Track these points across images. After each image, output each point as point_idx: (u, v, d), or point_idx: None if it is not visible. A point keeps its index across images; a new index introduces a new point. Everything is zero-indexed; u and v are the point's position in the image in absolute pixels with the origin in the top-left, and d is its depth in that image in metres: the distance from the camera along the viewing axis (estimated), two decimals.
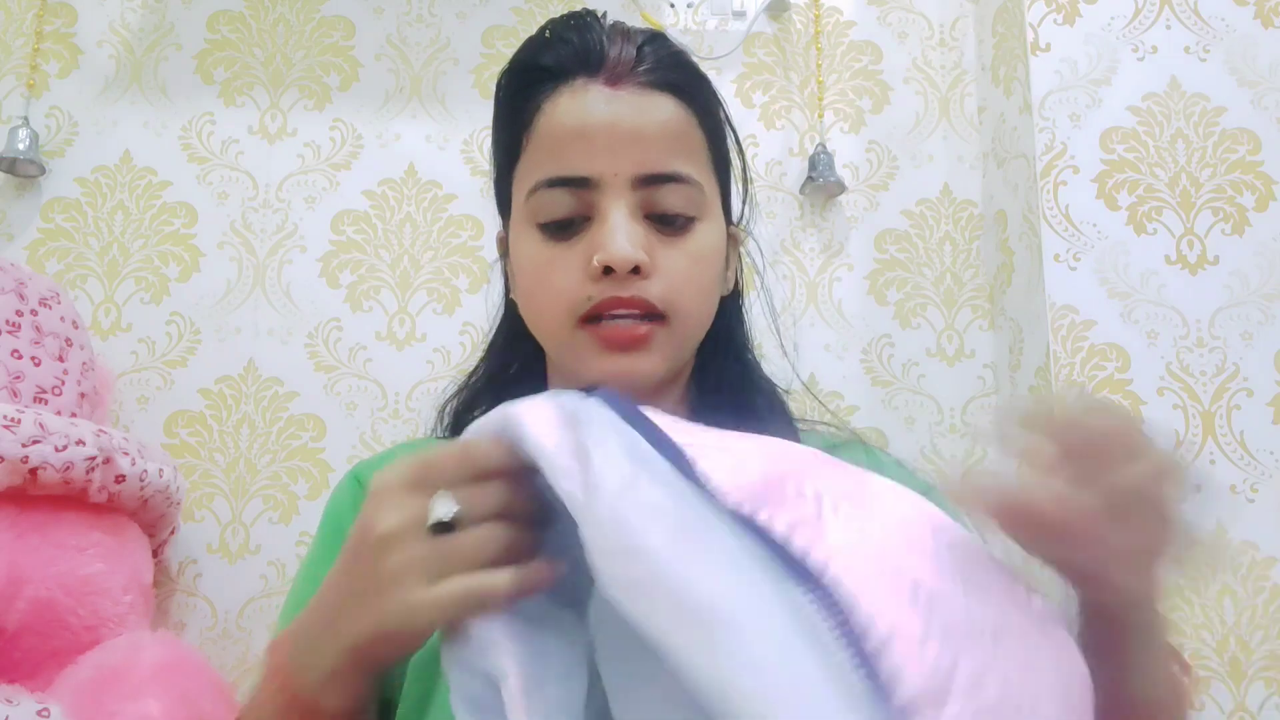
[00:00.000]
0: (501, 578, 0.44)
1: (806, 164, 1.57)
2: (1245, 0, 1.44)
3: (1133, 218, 1.38)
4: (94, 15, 1.58)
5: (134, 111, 1.55)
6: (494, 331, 0.79)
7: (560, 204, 0.64)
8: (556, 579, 0.46)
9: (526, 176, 0.67)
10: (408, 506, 0.46)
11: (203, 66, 1.58)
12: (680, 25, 1.62)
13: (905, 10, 1.66)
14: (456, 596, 0.44)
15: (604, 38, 0.67)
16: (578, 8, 0.71)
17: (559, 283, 0.64)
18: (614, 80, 0.66)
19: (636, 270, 0.62)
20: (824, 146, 1.56)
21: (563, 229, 0.65)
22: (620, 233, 0.62)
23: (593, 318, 0.63)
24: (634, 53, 0.66)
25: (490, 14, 1.62)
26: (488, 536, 0.46)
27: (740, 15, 1.63)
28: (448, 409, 0.78)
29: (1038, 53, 1.44)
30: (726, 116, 0.72)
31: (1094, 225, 1.38)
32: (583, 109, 0.65)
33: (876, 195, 1.60)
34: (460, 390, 0.78)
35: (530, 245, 0.66)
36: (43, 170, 1.50)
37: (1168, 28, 1.43)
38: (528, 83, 0.68)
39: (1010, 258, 1.49)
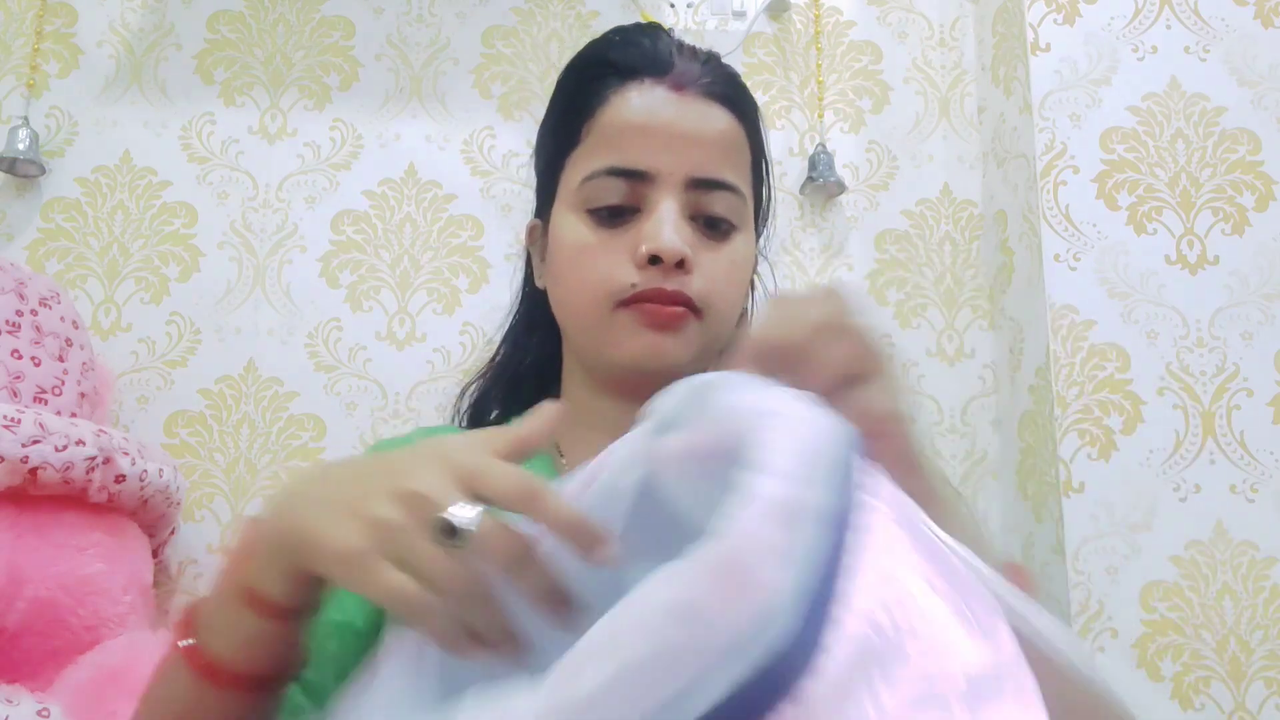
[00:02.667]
0: (438, 625, 0.40)
1: (806, 164, 1.57)
2: (1245, 0, 1.44)
3: (1133, 218, 1.38)
4: (94, 15, 1.58)
5: (134, 111, 1.55)
6: (512, 320, 0.81)
7: (614, 193, 0.67)
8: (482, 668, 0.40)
9: (582, 164, 0.69)
10: (441, 488, 0.41)
11: (203, 66, 1.58)
12: (680, 25, 1.62)
13: (905, 10, 1.66)
14: (391, 591, 0.40)
15: (672, 48, 0.71)
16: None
17: (603, 267, 0.66)
18: (678, 86, 0.69)
19: (681, 264, 0.64)
20: (824, 146, 1.56)
21: (613, 217, 0.67)
22: (669, 225, 0.65)
23: (631, 302, 0.65)
24: (697, 66, 0.70)
25: (490, 14, 1.62)
26: (470, 595, 0.40)
27: (740, 15, 1.63)
28: (467, 395, 0.81)
29: (1038, 53, 1.44)
30: (764, 140, 0.75)
31: (1094, 225, 1.38)
32: (648, 106, 0.68)
33: (876, 195, 1.60)
34: (480, 375, 0.81)
35: (577, 229, 0.68)
36: (43, 170, 1.50)
37: (1168, 28, 1.43)
38: (595, 76, 0.71)
39: (1010, 258, 1.49)
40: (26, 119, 1.48)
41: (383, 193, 1.55)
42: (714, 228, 0.68)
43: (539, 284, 0.75)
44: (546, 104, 0.76)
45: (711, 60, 0.72)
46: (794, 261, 1.56)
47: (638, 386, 0.58)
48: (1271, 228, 1.37)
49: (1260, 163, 1.39)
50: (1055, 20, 1.44)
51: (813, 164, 1.55)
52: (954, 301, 1.56)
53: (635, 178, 0.67)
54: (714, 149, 0.68)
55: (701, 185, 0.67)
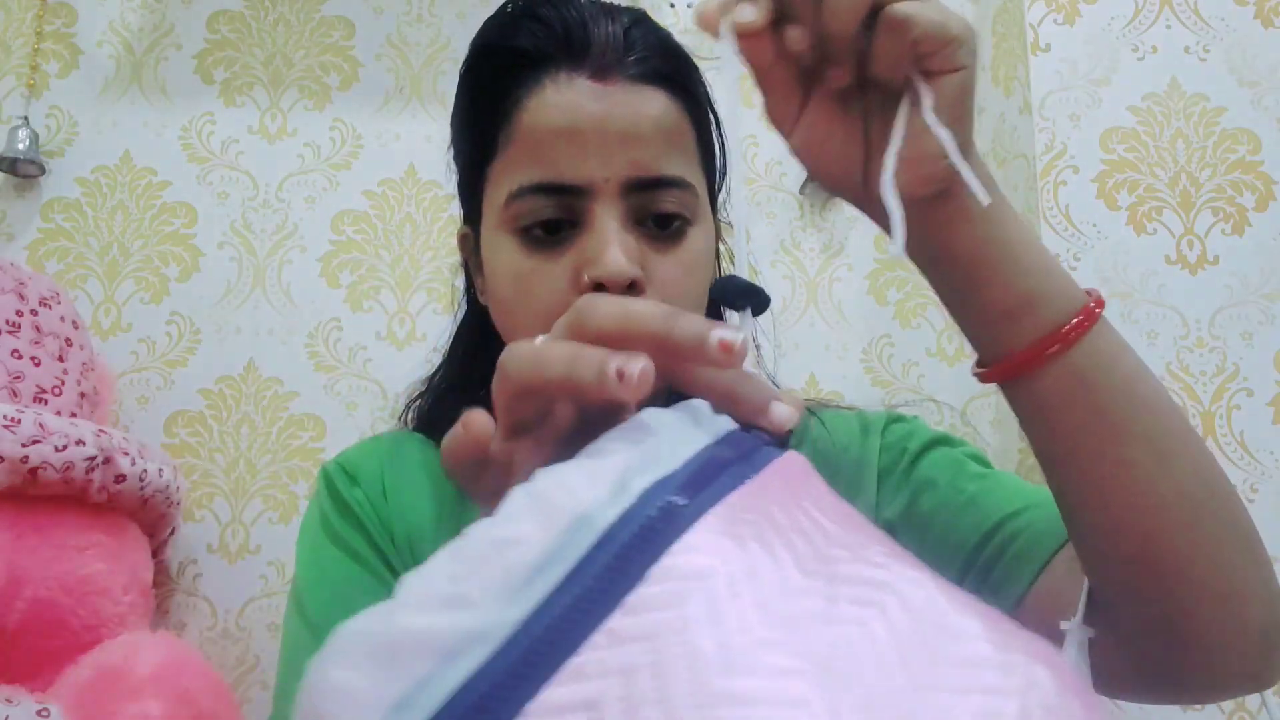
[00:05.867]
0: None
1: None
2: (1245, 0, 1.44)
3: (1133, 218, 1.38)
4: (94, 15, 1.58)
5: (134, 111, 1.55)
6: (455, 335, 0.75)
7: (545, 210, 0.59)
8: None
9: (505, 178, 0.61)
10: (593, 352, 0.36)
11: (203, 66, 1.58)
12: (680, 26, 1.62)
13: None
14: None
15: (585, 17, 0.61)
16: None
17: (544, 296, 0.58)
18: (602, 73, 0.60)
19: (632, 286, 0.57)
20: None
21: (547, 237, 0.60)
22: (613, 246, 0.57)
23: None
24: (621, 36, 0.61)
25: (490, 13, 1.61)
26: None
27: None
28: (412, 410, 0.75)
29: (1038, 53, 1.44)
30: (710, 100, 0.68)
31: (1094, 225, 1.38)
32: (570, 107, 0.59)
33: None
34: (424, 392, 0.75)
35: (509, 253, 0.61)
36: (43, 170, 1.50)
37: (1168, 28, 1.43)
38: (503, 70, 0.63)
39: None
40: (26, 119, 1.48)
41: (383, 193, 1.55)
42: (665, 226, 0.60)
43: (481, 300, 0.68)
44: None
45: (639, 25, 0.62)
46: (794, 262, 1.56)
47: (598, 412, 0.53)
48: (1271, 228, 1.37)
49: (1260, 163, 1.39)
50: (1055, 20, 1.44)
51: None
52: None
53: (566, 193, 0.58)
54: (652, 143, 0.59)
55: (644, 186, 0.59)
